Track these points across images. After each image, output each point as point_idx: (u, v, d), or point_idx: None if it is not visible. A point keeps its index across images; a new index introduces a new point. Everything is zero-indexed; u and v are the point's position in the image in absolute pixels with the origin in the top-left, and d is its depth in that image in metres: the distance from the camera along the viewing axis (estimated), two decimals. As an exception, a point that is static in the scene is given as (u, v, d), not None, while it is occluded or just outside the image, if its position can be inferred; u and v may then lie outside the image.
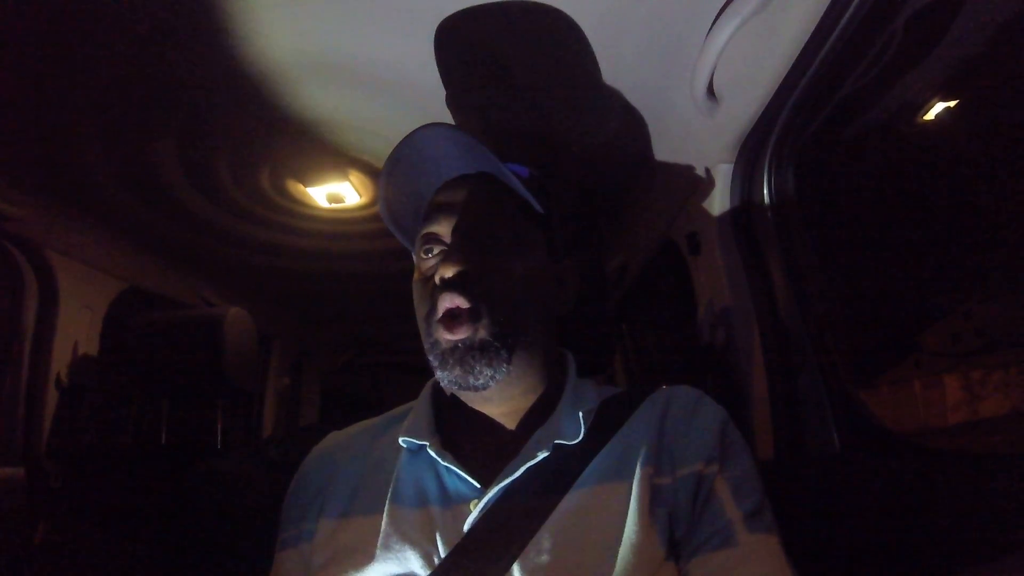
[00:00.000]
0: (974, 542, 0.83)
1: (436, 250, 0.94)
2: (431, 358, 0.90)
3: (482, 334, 0.86)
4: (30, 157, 1.44)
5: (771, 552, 0.81)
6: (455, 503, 0.86)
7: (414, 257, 1.06)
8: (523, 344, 0.90)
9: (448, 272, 0.86)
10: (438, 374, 0.89)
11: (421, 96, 1.27)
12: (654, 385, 1.00)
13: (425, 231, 0.95)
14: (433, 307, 0.89)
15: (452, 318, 0.86)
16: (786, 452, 1.25)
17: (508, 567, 0.79)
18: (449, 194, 0.96)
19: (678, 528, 0.83)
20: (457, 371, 0.86)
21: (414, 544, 0.83)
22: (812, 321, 1.25)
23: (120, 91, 1.23)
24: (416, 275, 0.97)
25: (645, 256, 1.97)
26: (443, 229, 0.93)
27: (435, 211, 0.95)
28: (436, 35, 1.09)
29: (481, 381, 0.86)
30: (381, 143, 1.46)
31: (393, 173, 0.97)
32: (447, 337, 0.86)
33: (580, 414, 0.91)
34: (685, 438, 0.89)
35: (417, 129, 0.92)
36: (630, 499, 0.82)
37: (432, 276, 0.90)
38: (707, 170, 1.38)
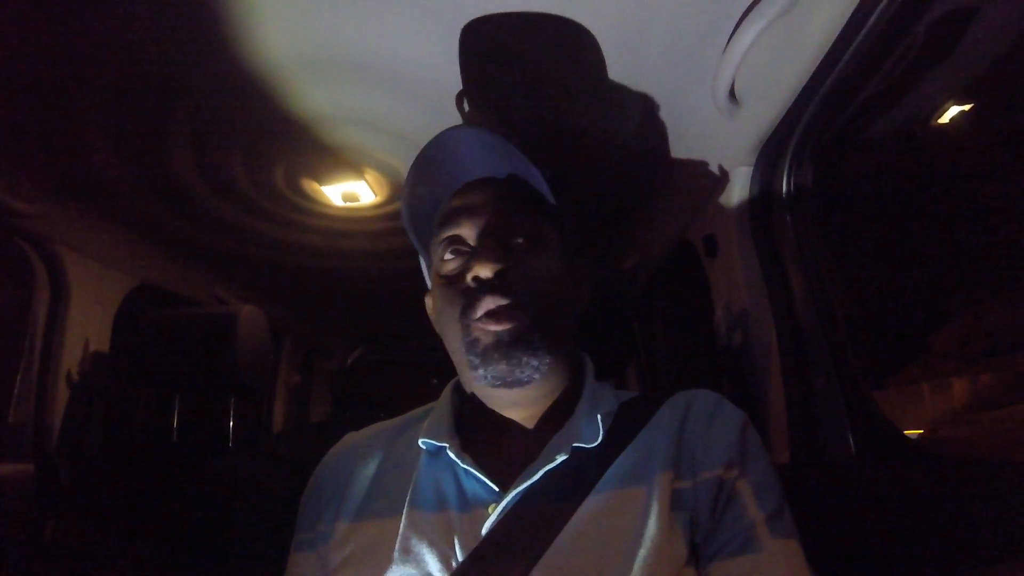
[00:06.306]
0: (988, 547, 0.82)
1: (461, 252, 0.94)
2: (470, 357, 0.89)
3: (525, 325, 0.86)
4: (41, 154, 1.44)
5: (792, 557, 0.81)
6: (473, 506, 0.86)
7: (425, 259, 1.06)
8: (556, 340, 0.91)
9: (484, 272, 0.86)
10: (479, 372, 0.88)
11: (440, 95, 1.26)
12: (672, 389, 0.99)
13: (448, 234, 0.94)
14: (468, 306, 0.88)
15: (494, 313, 0.86)
16: (801, 456, 1.24)
17: (527, 572, 0.78)
18: (470, 197, 0.96)
19: (698, 532, 0.83)
20: (502, 365, 0.86)
21: (432, 547, 0.83)
22: (830, 325, 1.24)
23: (133, 87, 1.23)
24: (436, 278, 0.97)
25: (660, 257, 1.96)
26: (467, 231, 0.93)
27: (456, 214, 0.95)
28: (456, 33, 1.08)
29: (527, 374, 0.87)
30: (398, 142, 1.46)
31: (419, 175, 0.97)
32: (491, 328, 0.86)
33: (599, 417, 0.91)
34: (705, 442, 0.89)
35: (444, 131, 0.92)
36: (650, 503, 0.82)
37: (460, 276, 0.91)
38: (726, 172, 1.37)
